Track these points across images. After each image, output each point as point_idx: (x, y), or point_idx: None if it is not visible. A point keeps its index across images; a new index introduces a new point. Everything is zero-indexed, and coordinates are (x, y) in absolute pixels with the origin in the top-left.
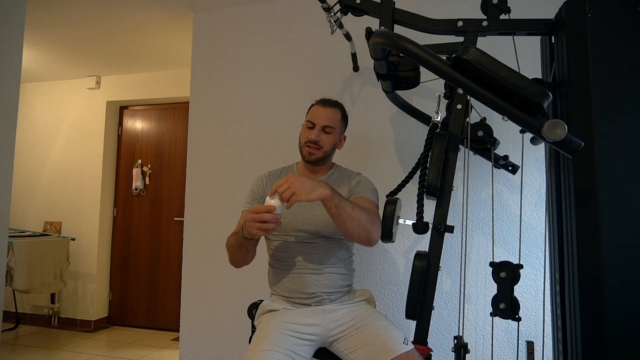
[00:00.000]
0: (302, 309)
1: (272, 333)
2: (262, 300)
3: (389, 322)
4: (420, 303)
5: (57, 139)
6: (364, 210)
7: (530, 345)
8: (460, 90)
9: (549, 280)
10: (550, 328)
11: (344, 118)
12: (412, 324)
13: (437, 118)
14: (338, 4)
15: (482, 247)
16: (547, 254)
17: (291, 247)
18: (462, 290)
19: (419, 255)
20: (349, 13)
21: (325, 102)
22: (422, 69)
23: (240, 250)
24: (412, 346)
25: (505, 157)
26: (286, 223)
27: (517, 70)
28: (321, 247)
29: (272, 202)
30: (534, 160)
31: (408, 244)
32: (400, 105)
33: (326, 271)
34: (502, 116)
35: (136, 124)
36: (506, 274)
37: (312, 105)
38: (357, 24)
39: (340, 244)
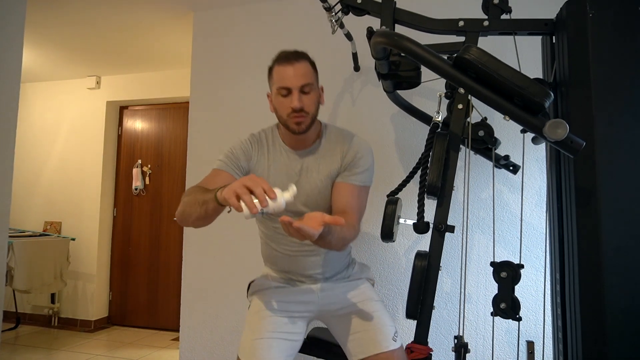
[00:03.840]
0: (295, 287)
1: (263, 317)
2: None
3: (384, 311)
4: (420, 303)
5: (57, 139)
6: (343, 233)
7: (530, 345)
8: (461, 90)
9: (549, 280)
10: (551, 328)
11: (314, 67)
12: (412, 323)
13: (438, 118)
14: (339, 4)
15: (482, 247)
16: (548, 253)
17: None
18: (462, 290)
19: (419, 255)
20: (350, 13)
21: (290, 57)
22: (423, 69)
23: (200, 208)
24: (400, 344)
25: (506, 157)
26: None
27: (519, 70)
28: None
29: (286, 195)
30: (534, 160)
31: (408, 243)
32: (401, 105)
33: (322, 251)
34: (503, 116)
35: (136, 124)
36: (507, 274)
37: (273, 67)
38: (358, 24)
39: None
